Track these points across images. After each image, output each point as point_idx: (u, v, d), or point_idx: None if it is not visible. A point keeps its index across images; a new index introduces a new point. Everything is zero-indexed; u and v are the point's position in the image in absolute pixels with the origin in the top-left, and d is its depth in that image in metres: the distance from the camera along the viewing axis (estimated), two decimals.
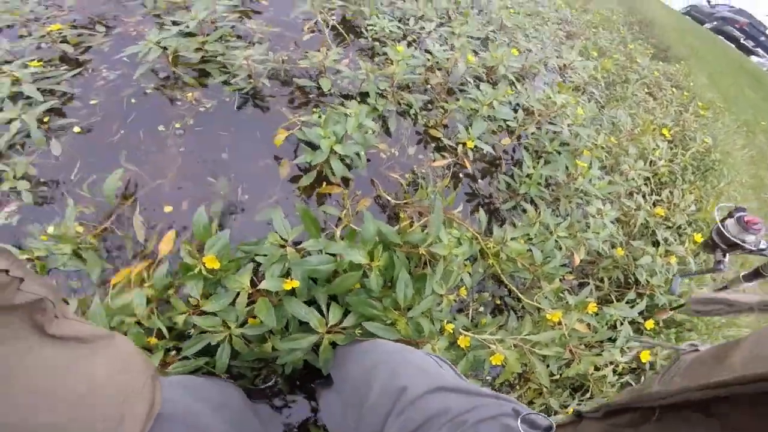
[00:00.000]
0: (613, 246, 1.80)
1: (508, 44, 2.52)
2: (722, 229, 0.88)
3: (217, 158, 1.48)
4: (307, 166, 1.47)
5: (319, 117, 1.43)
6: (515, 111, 1.95)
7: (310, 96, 1.71)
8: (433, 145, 1.81)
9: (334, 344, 1.03)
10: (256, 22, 1.92)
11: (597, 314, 1.37)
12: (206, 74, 1.65)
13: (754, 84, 8.74)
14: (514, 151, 2.03)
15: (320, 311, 1.04)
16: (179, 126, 1.50)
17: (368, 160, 1.60)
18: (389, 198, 1.59)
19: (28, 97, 1.39)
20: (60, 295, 0.38)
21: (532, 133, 1.92)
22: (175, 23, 1.67)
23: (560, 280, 1.45)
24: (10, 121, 1.32)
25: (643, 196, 2.12)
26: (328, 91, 1.65)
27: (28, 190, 1.25)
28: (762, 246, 0.83)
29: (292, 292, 1.02)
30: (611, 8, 7.81)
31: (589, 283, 1.71)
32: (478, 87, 1.86)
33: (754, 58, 11.72)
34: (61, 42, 1.66)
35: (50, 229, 1.17)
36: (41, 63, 1.52)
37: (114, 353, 0.42)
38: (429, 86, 1.88)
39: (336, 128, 1.39)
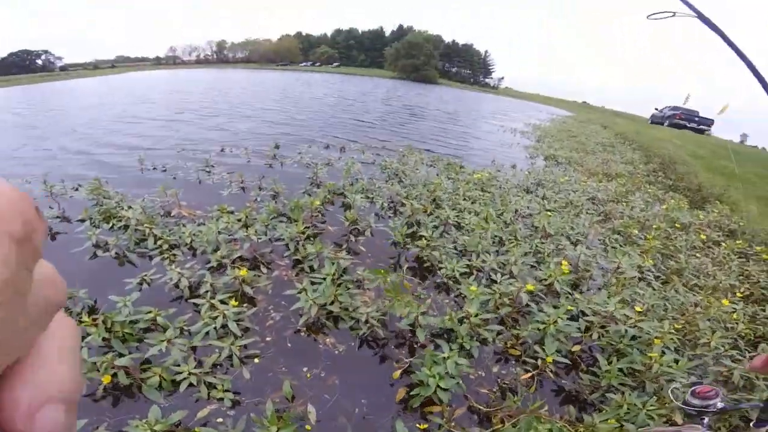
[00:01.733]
0: None
1: (557, 253, 3.06)
2: (685, 407, 1.04)
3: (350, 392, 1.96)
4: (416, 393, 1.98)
5: (421, 362, 2.00)
6: (577, 319, 2.31)
7: (409, 338, 2.28)
8: (514, 362, 2.20)
9: None
10: (364, 269, 2.72)
11: None
12: (337, 319, 2.34)
13: None
14: (590, 350, 2.31)
15: None
16: (320, 370, 2.05)
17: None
18: (480, 407, 2.02)
19: (230, 331, 2.06)
20: None
21: (602, 336, 2.22)
22: (312, 282, 2.44)
23: None
24: (220, 350, 1.97)
25: (732, 359, 2.14)
26: (424, 340, 2.17)
27: (231, 399, 1.79)
28: (721, 405, 0.96)
29: None
30: (629, 160, 8.65)
31: None
32: (541, 309, 2.30)
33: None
34: (242, 282, 2.48)
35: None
36: (237, 303, 2.24)
37: None
38: (500, 314, 2.44)
39: (438, 369, 1.95)
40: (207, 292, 2.36)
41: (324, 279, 2.45)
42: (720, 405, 0.99)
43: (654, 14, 0.80)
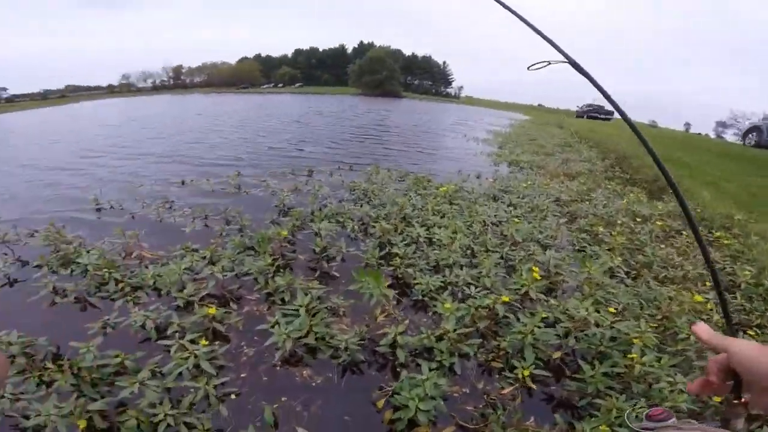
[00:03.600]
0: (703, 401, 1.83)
1: (527, 260, 3.12)
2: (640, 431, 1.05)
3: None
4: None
5: (400, 385, 1.96)
6: (554, 326, 2.33)
7: (390, 359, 2.23)
8: (497, 375, 2.17)
9: None
10: (337, 295, 2.64)
11: None
12: (314, 350, 2.23)
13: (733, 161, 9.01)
14: (573, 353, 2.30)
15: None
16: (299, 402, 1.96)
17: (445, 400, 2.04)
18: (466, 425, 1.99)
19: (203, 370, 1.94)
20: None
21: (580, 340, 2.22)
22: (284, 314, 2.35)
23: None
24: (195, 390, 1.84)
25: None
26: (404, 360, 2.14)
27: None
28: (671, 422, 0.97)
29: None
30: (587, 158, 9.05)
31: None
32: (518, 319, 2.32)
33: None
34: (211, 320, 2.35)
35: None
36: (207, 342, 2.09)
37: None
38: (478, 327, 2.43)
39: (417, 391, 1.91)
40: (176, 332, 2.25)
41: (297, 310, 2.38)
42: (673, 422, 1.00)
43: (533, 65, 0.89)
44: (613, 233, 3.80)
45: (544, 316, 2.31)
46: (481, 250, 3.23)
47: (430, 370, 1.98)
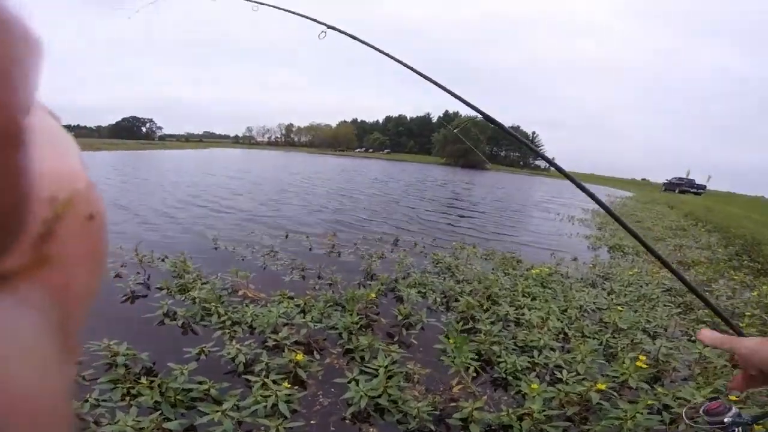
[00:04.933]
0: None
1: (632, 348, 2.81)
2: (698, 426, 0.91)
3: None
4: None
5: None
6: (660, 413, 2.05)
7: None
8: None
9: None
10: (414, 362, 2.63)
11: None
12: (383, 411, 2.20)
13: None
14: None
15: None
16: None
17: None
18: None
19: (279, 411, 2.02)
20: None
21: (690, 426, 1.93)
22: (363, 371, 2.41)
23: None
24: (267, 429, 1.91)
25: None
26: None
27: None
28: (733, 414, 0.84)
29: None
30: (706, 244, 7.92)
31: None
32: (617, 406, 2.07)
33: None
34: (296, 365, 2.46)
35: None
36: (289, 385, 2.21)
37: None
38: (566, 411, 2.19)
39: None
40: (262, 370, 2.42)
41: (377, 370, 2.41)
42: (730, 419, 0.87)
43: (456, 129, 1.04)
44: (742, 323, 3.31)
45: (649, 403, 2.07)
46: (577, 335, 2.96)
47: None
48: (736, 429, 0.86)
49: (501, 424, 2.07)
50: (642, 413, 1.96)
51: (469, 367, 2.39)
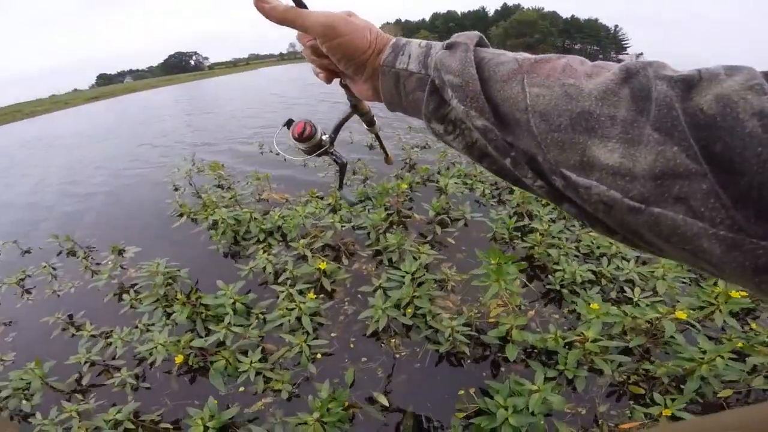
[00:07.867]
0: None
1: None
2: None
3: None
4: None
5: (497, 387, 1.53)
6: (744, 360, 1.52)
7: (492, 351, 1.84)
8: (632, 402, 1.57)
9: None
10: (447, 266, 2.32)
11: None
12: (410, 327, 1.99)
13: None
14: (749, 394, 1.53)
15: None
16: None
17: (547, 415, 1.55)
18: None
19: (304, 328, 1.95)
20: None
21: None
22: (389, 278, 2.16)
23: None
24: (291, 346, 1.87)
25: None
26: (513, 359, 1.69)
27: (288, 392, 1.70)
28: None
29: None
30: None
31: None
32: (695, 342, 1.60)
33: None
34: (322, 274, 2.34)
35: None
36: (314, 296, 2.10)
37: None
38: (628, 343, 1.76)
39: (515, 401, 1.44)
40: (287, 279, 2.34)
41: (403, 277, 2.14)
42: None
43: None
44: None
45: (739, 345, 1.54)
46: None
47: (546, 379, 1.51)
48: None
49: (545, 348, 1.72)
50: (723, 357, 1.46)
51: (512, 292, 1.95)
